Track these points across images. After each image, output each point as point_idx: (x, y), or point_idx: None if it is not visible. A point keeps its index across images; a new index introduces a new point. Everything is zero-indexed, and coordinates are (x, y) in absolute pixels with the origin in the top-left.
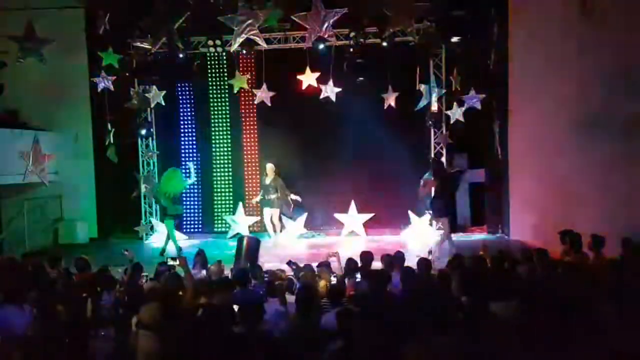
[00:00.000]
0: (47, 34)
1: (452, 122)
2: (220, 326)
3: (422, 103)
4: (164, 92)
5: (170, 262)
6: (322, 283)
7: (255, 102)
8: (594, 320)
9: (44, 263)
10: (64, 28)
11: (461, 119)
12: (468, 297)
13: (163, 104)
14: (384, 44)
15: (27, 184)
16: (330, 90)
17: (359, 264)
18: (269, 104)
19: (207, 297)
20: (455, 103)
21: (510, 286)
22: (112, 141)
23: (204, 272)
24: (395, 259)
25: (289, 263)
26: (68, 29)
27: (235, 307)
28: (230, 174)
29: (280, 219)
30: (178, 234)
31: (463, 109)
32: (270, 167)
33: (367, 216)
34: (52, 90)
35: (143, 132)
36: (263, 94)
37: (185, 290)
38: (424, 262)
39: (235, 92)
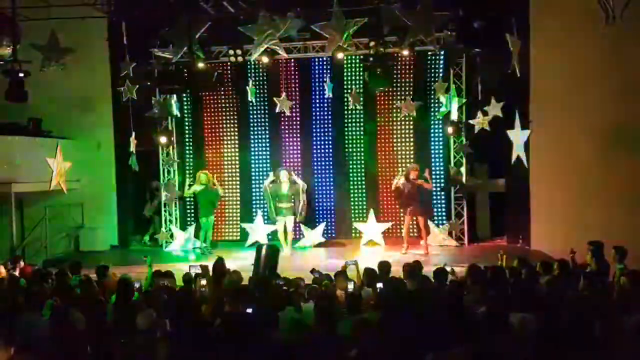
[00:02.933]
0: (70, 44)
1: (476, 131)
2: (238, 334)
3: (442, 112)
4: (182, 103)
5: (193, 271)
6: (338, 292)
7: (277, 111)
8: (615, 332)
9: (65, 270)
10: (87, 38)
11: (487, 127)
12: (487, 308)
13: (178, 114)
14: (404, 53)
15: (49, 191)
16: (284, 104)
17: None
18: (288, 113)
19: (226, 306)
20: (479, 112)
21: (530, 297)
22: (133, 150)
23: None
24: (413, 269)
25: (312, 271)
26: (90, 39)
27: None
28: (238, 181)
29: (298, 227)
30: (196, 242)
31: (489, 117)
32: (284, 174)
33: (386, 225)
34: (74, 99)
35: (163, 140)
36: (282, 103)
37: (202, 298)
38: (441, 272)
39: (250, 100)
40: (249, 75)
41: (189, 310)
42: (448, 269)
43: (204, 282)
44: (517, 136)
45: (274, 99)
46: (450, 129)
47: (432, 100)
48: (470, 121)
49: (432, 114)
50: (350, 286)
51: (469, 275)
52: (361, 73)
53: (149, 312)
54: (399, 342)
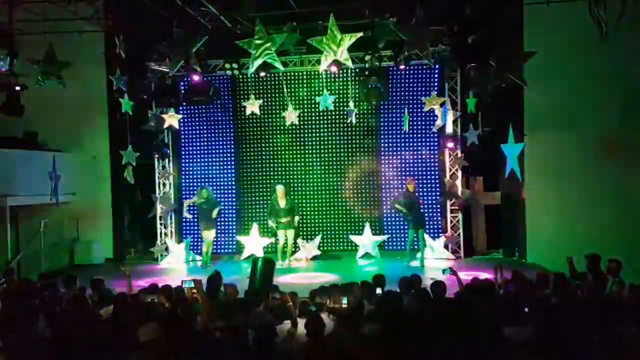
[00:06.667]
0: (67, 57)
1: (468, 144)
2: (235, 348)
3: (438, 125)
4: (180, 116)
5: (186, 285)
6: (337, 306)
7: (287, 124)
8: (612, 344)
9: (59, 284)
10: (83, 51)
11: (476, 141)
12: (481, 321)
13: (177, 127)
14: (400, 67)
15: (44, 204)
16: (291, 116)
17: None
18: (297, 123)
19: (222, 320)
20: (471, 125)
21: (526, 310)
22: (132, 162)
23: None
24: (410, 282)
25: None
26: (87, 53)
27: (250, 330)
28: (234, 194)
29: (295, 242)
30: (192, 255)
31: (478, 131)
32: (280, 189)
33: (382, 238)
34: (71, 112)
35: (159, 153)
36: (290, 115)
37: (198, 313)
38: (438, 285)
39: (249, 114)
40: (248, 88)
41: (182, 323)
42: (447, 272)
43: (197, 295)
44: (511, 150)
45: (282, 113)
46: (445, 142)
47: (428, 114)
48: (465, 134)
49: (428, 127)
50: (345, 301)
51: (467, 288)
52: (357, 87)
53: (153, 326)
54: (398, 356)
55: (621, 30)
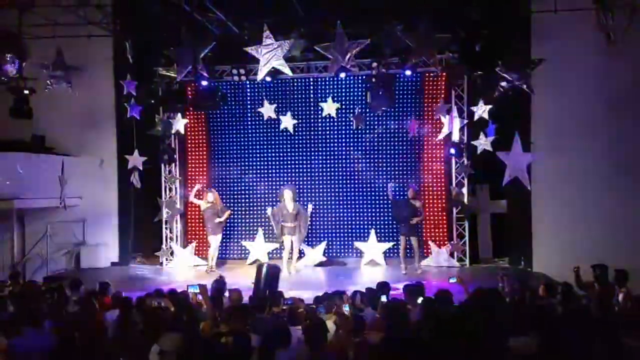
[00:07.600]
0: (75, 62)
1: (479, 152)
2: (239, 354)
3: (444, 133)
4: (185, 121)
5: (191, 290)
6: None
7: (280, 128)
8: (617, 355)
9: (65, 287)
10: (92, 56)
11: (489, 148)
12: (486, 332)
13: (182, 132)
14: (407, 73)
15: (51, 207)
16: (288, 123)
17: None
18: (291, 131)
19: (226, 325)
20: (481, 133)
21: (531, 320)
22: (139, 166)
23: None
24: (415, 290)
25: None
26: (96, 57)
27: (254, 335)
28: (240, 198)
29: (300, 248)
30: (197, 259)
31: (491, 138)
32: (288, 192)
33: (387, 245)
34: (79, 116)
35: (165, 157)
36: (287, 122)
37: (202, 318)
38: (444, 294)
39: (266, 119)
40: (260, 94)
41: (187, 328)
42: (453, 280)
43: (202, 300)
44: (517, 158)
45: (279, 117)
46: (452, 150)
47: (434, 121)
48: (473, 142)
49: (434, 134)
50: (346, 308)
51: (472, 298)
52: (363, 93)
53: (174, 336)
54: None
55: (630, 38)
